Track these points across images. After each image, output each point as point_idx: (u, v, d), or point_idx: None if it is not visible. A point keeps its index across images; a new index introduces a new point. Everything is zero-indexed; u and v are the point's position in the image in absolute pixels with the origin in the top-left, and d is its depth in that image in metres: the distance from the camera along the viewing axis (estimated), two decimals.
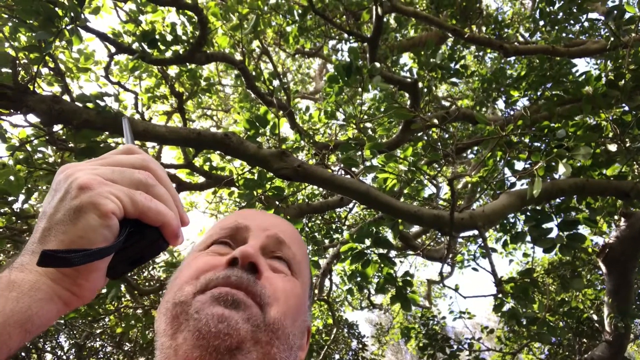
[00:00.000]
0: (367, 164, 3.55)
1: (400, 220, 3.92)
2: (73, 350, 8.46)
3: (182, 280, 0.69)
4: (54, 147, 4.48)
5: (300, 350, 0.74)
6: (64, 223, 0.49)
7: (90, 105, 2.96)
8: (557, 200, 3.69)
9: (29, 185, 4.19)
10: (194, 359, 0.58)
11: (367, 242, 3.61)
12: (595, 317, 6.84)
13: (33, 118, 3.46)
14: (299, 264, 0.78)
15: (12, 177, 3.65)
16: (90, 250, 0.48)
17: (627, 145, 3.53)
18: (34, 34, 2.80)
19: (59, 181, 0.52)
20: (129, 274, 4.75)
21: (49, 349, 8.17)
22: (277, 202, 4.00)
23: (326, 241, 5.86)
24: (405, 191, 3.86)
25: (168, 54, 4.41)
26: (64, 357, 8.41)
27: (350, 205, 5.86)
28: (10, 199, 3.83)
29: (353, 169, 4.17)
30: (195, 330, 0.59)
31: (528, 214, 3.41)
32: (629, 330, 5.77)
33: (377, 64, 3.26)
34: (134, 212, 0.51)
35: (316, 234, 6.06)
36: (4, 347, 0.42)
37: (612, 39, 4.14)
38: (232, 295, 0.62)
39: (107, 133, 3.73)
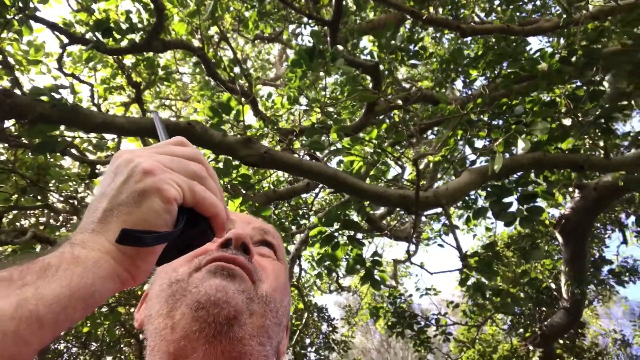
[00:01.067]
0: (333, 147, 3.57)
1: (367, 202, 3.98)
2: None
3: (175, 264, 0.70)
4: (6, 145, 4.29)
5: (285, 331, 0.77)
6: (127, 205, 0.50)
7: (44, 98, 2.85)
8: (516, 175, 3.82)
9: None
10: (193, 332, 0.60)
11: (336, 225, 3.65)
12: (553, 285, 7.17)
13: None
14: (282, 251, 0.84)
15: None
16: (161, 233, 0.49)
17: (580, 119, 3.68)
18: None
19: (119, 165, 0.53)
20: None
21: None
22: (243, 190, 3.98)
23: (293, 227, 5.87)
24: (371, 173, 3.91)
25: (123, 43, 4.27)
26: None
27: (317, 190, 5.89)
28: None
29: (318, 153, 4.18)
30: (194, 302, 0.61)
31: (489, 189, 3.51)
32: (585, 296, 6.08)
33: (340, 47, 3.27)
34: (191, 201, 0.53)
35: (283, 220, 6.06)
36: (68, 319, 0.43)
37: (564, 16, 4.28)
38: (228, 268, 0.66)
39: (62, 127, 3.60)
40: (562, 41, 5.17)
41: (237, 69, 5.67)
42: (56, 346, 8.16)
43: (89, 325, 5.22)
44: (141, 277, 0.52)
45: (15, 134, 3.83)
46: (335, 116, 4.35)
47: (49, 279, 0.43)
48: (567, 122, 3.93)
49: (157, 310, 0.66)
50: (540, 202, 3.82)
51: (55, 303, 0.42)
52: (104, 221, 0.50)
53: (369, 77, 4.77)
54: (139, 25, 4.36)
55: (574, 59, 3.63)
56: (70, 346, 8.25)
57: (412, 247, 7.47)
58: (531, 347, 6.46)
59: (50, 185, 4.88)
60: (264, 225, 0.85)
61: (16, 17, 2.72)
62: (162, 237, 0.50)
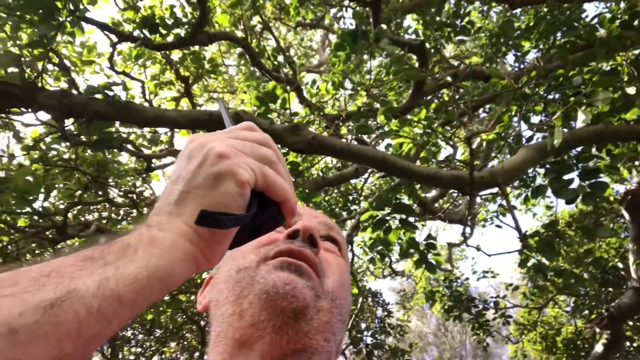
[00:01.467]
0: (381, 131, 3.51)
1: (418, 185, 3.90)
2: (106, 341, 8.67)
3: (243, 250, 0.71)
4: (68, 143, 4.51)
5: (345, 327, 0.77)
6: (203, 187, 0.50)
7: (99, 96, 2.96)
8: (576, 150, 3.63)
9: (47, 184, 4.23)
10: (260, 322, 0.61)
11: (387, 209, 3.60)
12: (620, 265, 6.82)
13: (44, 116, 3.48)
14: (345, 249, 0.83)
15: (30, 177, 3.68)
16: (238, 215, 0.50)
17: None
18: (35, 30, 2.78)
19: (192, 149, 0.54)
20: None
21: None
22: (292, 178, 4.00)
23: (344, 214, 5.86)
24: (422, 155, 3.83)
25: (170, 38, 4.36)
26: (98, 349, 8.64)
27: (366, 175, 5.84)
28: (30, 198, 3.86)
29: (366, 137, 4.13)
30: (262, 293, 0.62)
31: (547, 166, 3.36)
32: None
33: (383, 26, 3.19)
34: (262, 185, 0.53)
35: (334, 207, 6.06)
36: (146, 300, 0.44)
37: None
38: (295, 264, 0.66)
39: (118, 123, 3.74)
40: (622, 5, 4.83)
41: (280, 58, 5.68)
42: (124, 333, 8.60)
43: (152, 312, 5.45)
44: (216, 260, 0.53)
45: (75, 132, 4.01)
46: (381, 98, 4.27)
47: (129, 259, 0.44)
48: (630, 90, 3.67)
49: (225, 297, 0.67)
50: (604, 178, 3.61)
51: (135, 283, 0.42)
52: (180, 204, 0.50)
53: (414, 57, 4.65)
54: (184, 20, 4.44)
55: (636, 22, 3.38)
56: (137, 333, 8.67)
57: (468, 230, 7.30)
58: (597, 329, 6.18)
59: (110, 180, 5.10)
60: (329, 220, 0.85)
61: (68, 19, 2.82)
62: (238, 219, 0.50)
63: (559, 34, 4.42)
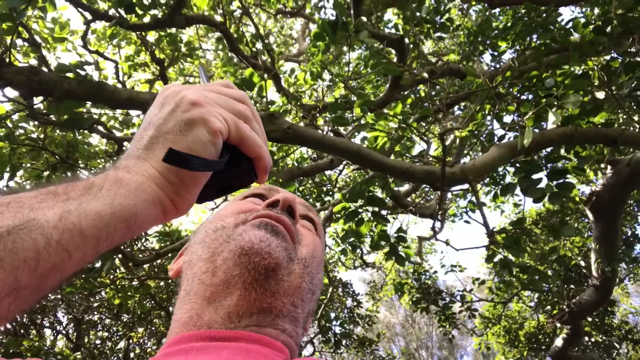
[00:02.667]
0: (357, 123, 3.52)
1: (391, 179, 3.94)
2: (72, 324, 8.53)
3: (223, 214, 0.72)
4: (36, 122, 4.38)
5: (313, 310, 0.76)
6: (174, 133, 0.50)
7: (70, 75, 2.88)
8: (546, 150, 3.72)
9: (13, 163, 4.11)
10: (232, 277, 0.60)
11: (360, 201, 3.63)
12: (582, 263, 7.04)
13: (11, 92, 3.37)
14: (321, 230, 0.84)
15: None
16: (208, 160, 0.49)
17: (615, 92, 3.53)
18: (4, 1, 2.68)
19: (167, 96, 0.54)
20: (124, 245, 4.74)
21: (47, 324, 8.24)
22: None
23: (318, 204, 5.87)
24: (396, 149, 3.86)
25: (146, 19, 4.26)
26: (64, 332, 8.49)
27: (340, 167, 5.86)
28: None
29: (342, 129, 4.14)
30: (237, 248, 0.62)
31: (517, 165, 3.43)
32: (615, 275, 5.94)
33: (364, 19, 3.19)
34: (235, 138, 0.53)
35: (307, 197, 6.07)
36: (109, 238, 0.44)
37: None
38: (272, 224, 0.66)
39: (89, 104, 3.65)
40: (596, 10, 4.94)
41: (259, 45, 5.62)
42: (90, 317, 8.47)
43: (120, 297, 5.38)
44: (184, 208, 0.52)
45: (44, 111, 3.90)
46: (359, 91, 4.28)
47: (92, 196, 0.44)
48: (600, 95, 3.78)
49: (198, 255, 0.67)
50: (571, 179, 3.71)
51: (98, 219, 0.42)
52: (149, 148, 0.50)
53: (393, 51, 4.66)
54: (161, 1, 4.34)
55: (609, 29, 3.46)
56: (104, 317, 8.55)
57: (438, 224, 7.41)
58: (558, 324, 6.38)
59: (80, 162, 4.98)
60: (307, 204, 0.86)
61: None
62: (208, 163, 0.49)
63: (534, 36, 4.50)
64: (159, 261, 6.13)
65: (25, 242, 0.37)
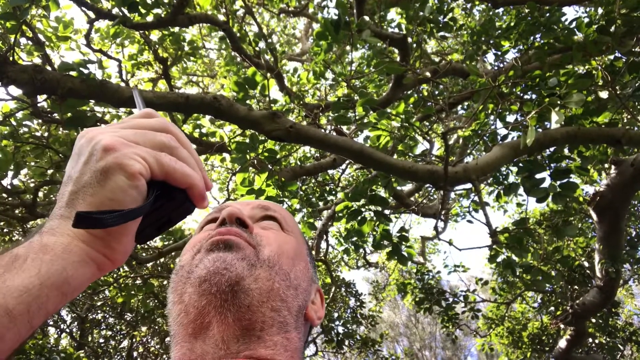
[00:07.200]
0: (359, 122, 3.51)
1: (394, 178, 3.93)
2: (76, 323, 8.56)
3: (182, 253, 0.73)
4: (40, 120, 4.40)
5: (309, 300, 0.75)
6: (91, 185, 0.48)
7: (73, 73, 2.88)
8: (549, 150, 3.70)
9: (17, 161, 4.13)
10: (203, 308, 0.60)
11: (362, 200, 3.62)
12: (586, 264, 7.01)
13: (15, 91, 3.38)
14: (289, 224, 0.81)
15: None
16: (123, 211, 0.47)
17: (618, 91, 3.52)
18: (8, 0, 2.69)
19: (81, 145, 0.51)
20: None
21: (51, 323, 8.26)
22: (269, 165, 3.98)
23: (320, 204, 5.87)
24: (399, 148, 3.85)
25: (149, 18, 4.27)
26: (67, 330, 8.53)
27: (343, 166, 5.86)
28: None
29: (345, 128, 4.13)
30: (196, 280, 0.62)
31: (520, 165, 3.42)
32: (619, 275, 5.92)
33: (366, 18, 3.18)
34: (160, 174, 0.51)
35: (310, 196, 6.07)
36: (42, 310, 0.42)
37: None
38: (223, 240, 0.66)
39: (92, 102, 3.66)
40: (599, 10, 4.92)
41: (262, 44, 5.62)
42: (94, 316, 8.50)
43: (123, 295, 5.40)
44: (119, 258, 0.51)
45: (48, 109, 3.91)
46: (361, 90, 4.28)
47: (17, 270, 0.42)
48: (603, 94, 3.76)
49: (171, 301, 0.67)
50: (575, 178, 3.69)
51: (25, 294, 0.40)
52: (70, 205, 0.48)
53: (396, 51, 4.66)
54: (164, 0, 4.35)
55: (612, 28, 3.44)
56: (107, 316, 8.58)
57: (440, 224, 7.40)
58: (562, 325, 6.36)
59: None
60: (264, 202, 0.84)
61: None
62: (124, 215, 0.47)
63: (538, 36, 4.48)
64: (162, 259, 6.15)
65: None
